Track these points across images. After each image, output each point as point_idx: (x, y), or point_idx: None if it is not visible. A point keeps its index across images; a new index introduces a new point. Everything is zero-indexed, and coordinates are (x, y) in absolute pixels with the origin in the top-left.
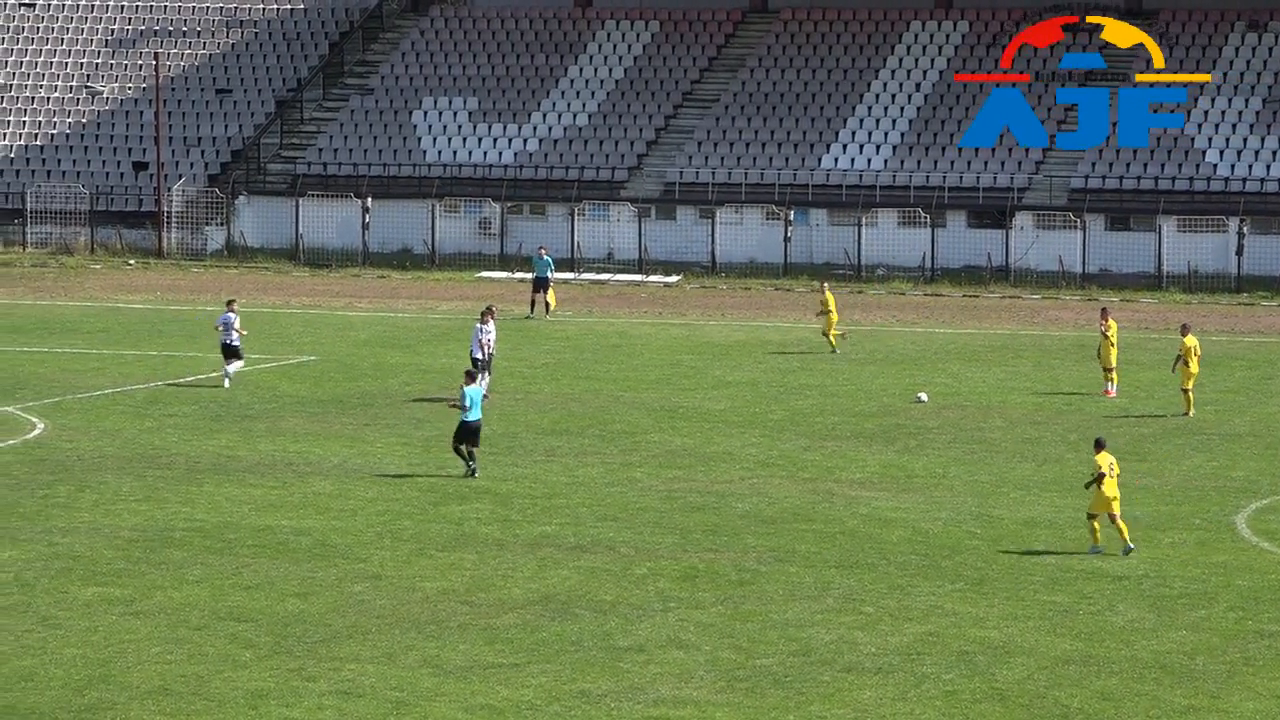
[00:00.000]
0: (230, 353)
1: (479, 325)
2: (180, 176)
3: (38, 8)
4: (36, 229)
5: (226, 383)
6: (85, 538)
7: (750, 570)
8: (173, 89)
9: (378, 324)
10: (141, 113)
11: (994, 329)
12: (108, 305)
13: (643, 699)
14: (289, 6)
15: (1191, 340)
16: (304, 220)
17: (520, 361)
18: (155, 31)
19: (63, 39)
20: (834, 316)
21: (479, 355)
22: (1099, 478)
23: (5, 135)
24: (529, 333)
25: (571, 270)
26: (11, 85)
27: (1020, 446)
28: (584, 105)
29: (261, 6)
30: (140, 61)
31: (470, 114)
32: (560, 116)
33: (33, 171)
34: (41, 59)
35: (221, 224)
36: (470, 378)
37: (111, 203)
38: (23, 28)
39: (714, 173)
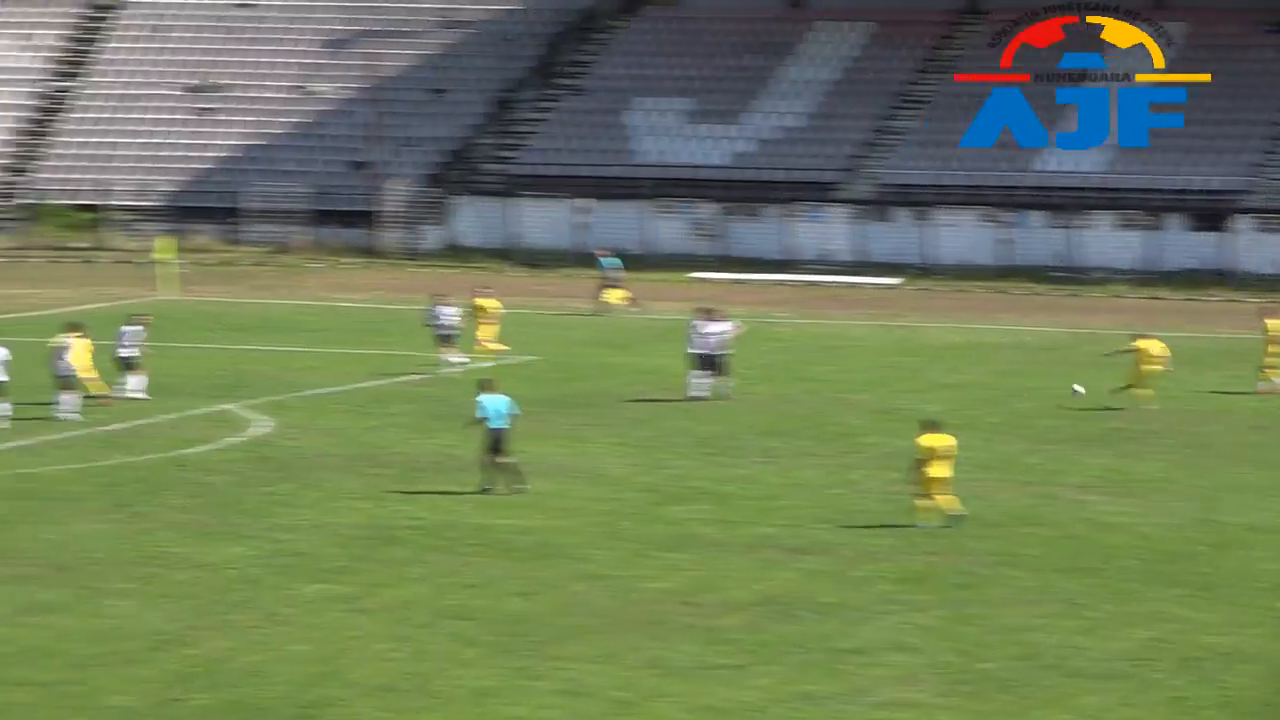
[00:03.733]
0: (444, 341)
1: (696, 323)
2: (397, 176)
3: (256, 8)
4: (255, 228)
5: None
6: (308, 535)
7: (971, 573)
8: (389, 89)
9: (595, 324)
10: (358, 113)
11: (1214, 333)
12: (326, 304)
13: (865, 701)
14: (504, 7)
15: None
16: (520, 220)
17: (737, 363)
18: (372, 32)
19: (281, 40)
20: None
21: (697, 352)
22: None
23: (224, 135)
24: (746, 335)
25: (786, 272)
26: (230, 85)
27: (1243, 451)
28: (797, 106)
29: (477, 7)
30: (357, 62)
31: (683, 115)
32: (773, 118)
33: (252, 171)
34: (259, 59)
35: (438, 224)
36: (487, 387)
37: (330, 202)
38: (241, 28)
39: (928, 174)
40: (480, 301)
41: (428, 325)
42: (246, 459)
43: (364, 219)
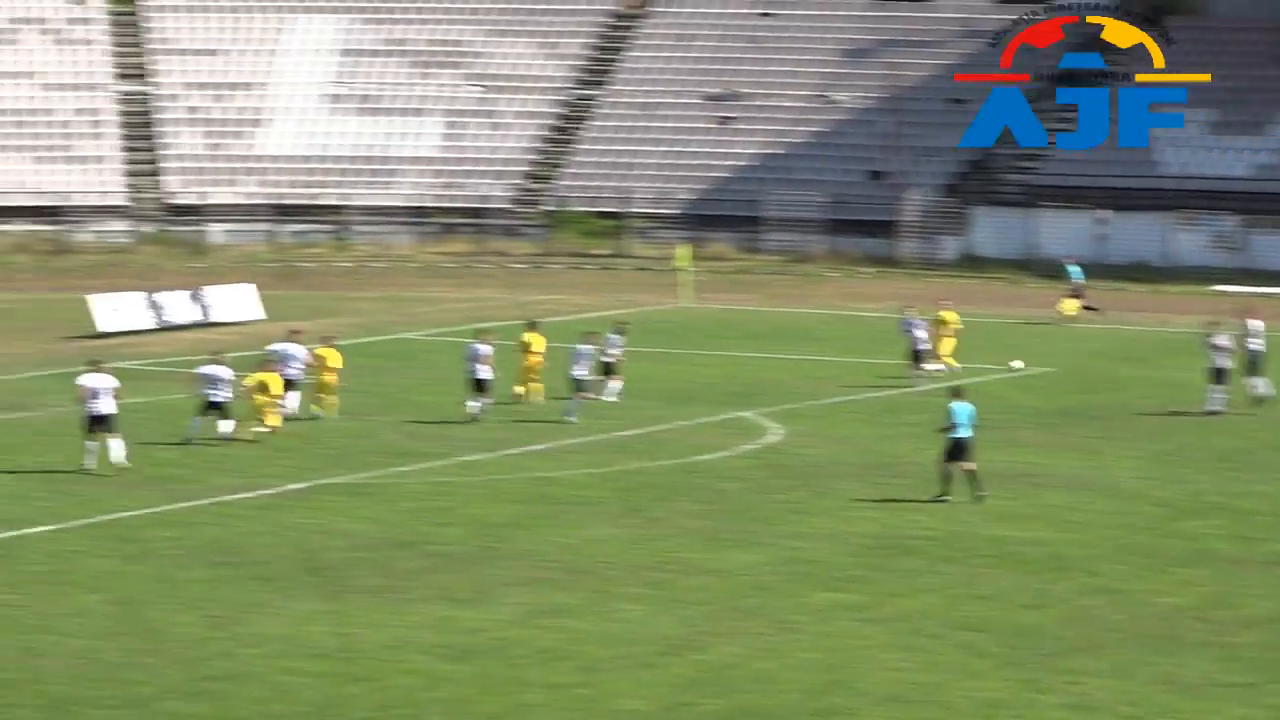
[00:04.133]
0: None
1: (1213, 337)
2: (916, 186)
3: (778, 18)
4: (773, 236)
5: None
6: (820, 543)
7: None
8: (908, 99)
9: (1111, 336)
10: (877, 123)
11: None
12: (842, 313)
13: None
14: (1026, 18)
15: None
16: (1038, 231)
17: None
18: (893, 42)
19: (801, 48)
20: None
21: (1221, 365)
22: None
23: (743, 144)
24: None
25: None
26: (750, 94)
27: None
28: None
29: (996, 17)
30: (876, 71)
31: (1206, 126)
32: None
33: (770, 180)
34: (779, 67)
35: (956, 233)
36: (957, 394)
37: (848, 211)
38: (764, 37)
39: None
40: (943, 315)
41: (904, 335)
42: (760, 466)
43: (881, 228)
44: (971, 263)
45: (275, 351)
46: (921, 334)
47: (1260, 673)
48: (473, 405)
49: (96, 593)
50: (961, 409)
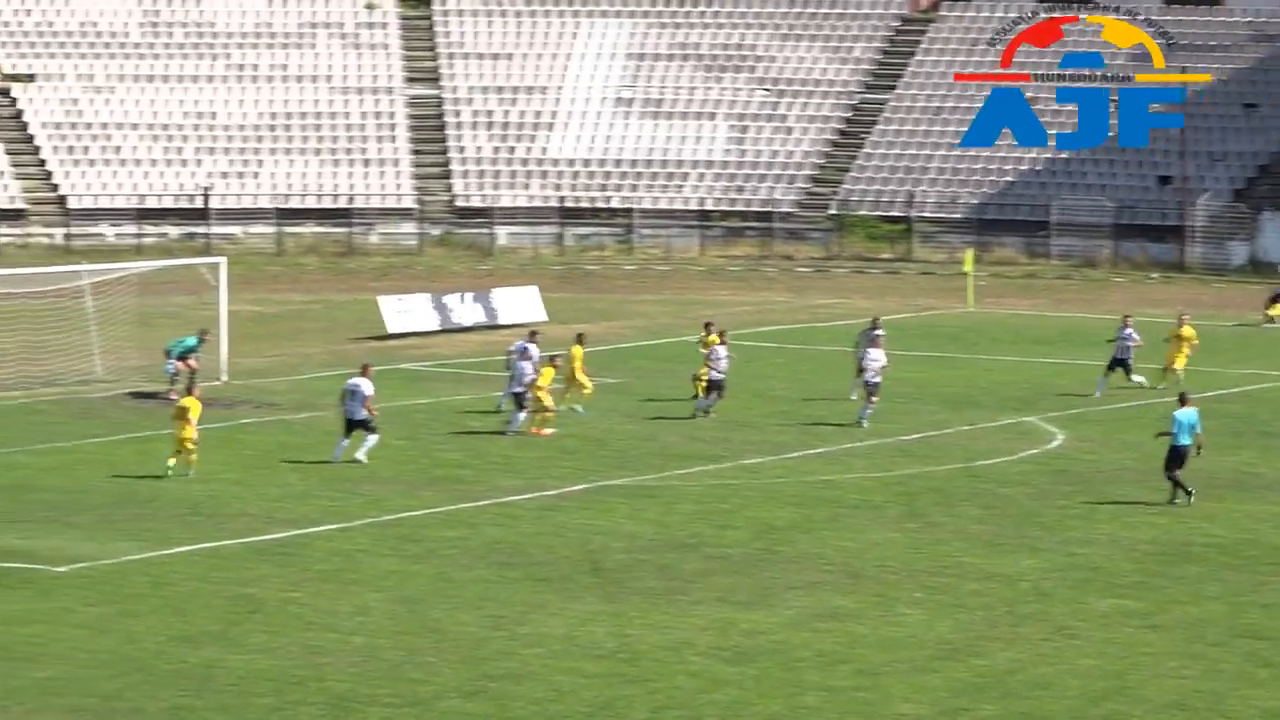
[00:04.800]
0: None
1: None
2: (1206, 191)
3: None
4: (1060, 241)
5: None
6: (1103, 549)
7: None
8: (1200, 104)
9: None
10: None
11: None
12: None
13: None
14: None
15: None
16: None
17: None
18: (1182, 46)
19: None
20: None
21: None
22: None
23: (1032, 147)
24: None
25: None
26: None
27: None
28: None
29: None
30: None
31: None
32: None
33: (1059, 185)
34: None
35: (1246, 239)
36: (1183, 401)
37: (1135, 216)
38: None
39: None
40: (1182, 331)
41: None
42: (1042, 471)
43: (1170, 234)
44: (1259, 268)
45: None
46: (1130, 344)
47: None
48: (703, 403)
49: (379, 591)
50: (1185, 416)
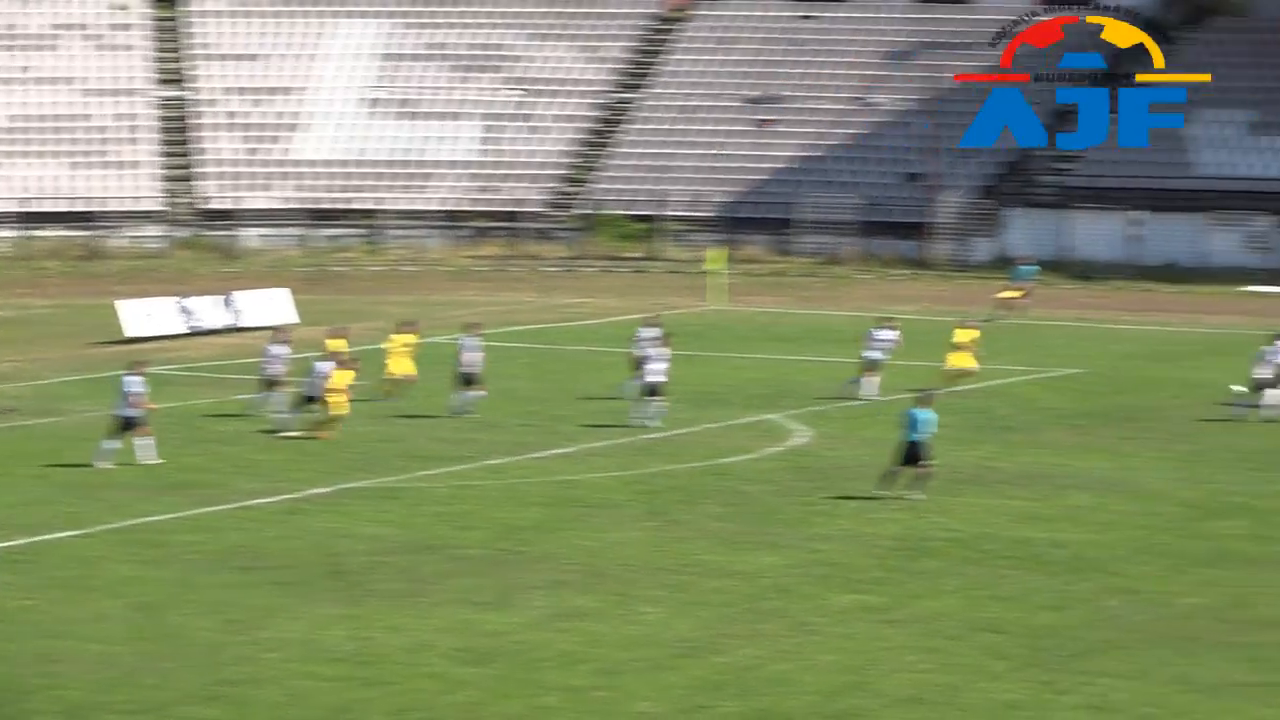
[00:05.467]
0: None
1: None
2: (951, 188)
3: (820, 19)
4: (806, 239)
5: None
6: (843, 545)
7: None
8: (947, 101)
9: (1144, 338)
10: (915, 125)
11: None
12: (874, 314)
13: None
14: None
15: None
16: (1072, 232)
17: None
18: (932, 44)
19: (841, 50)
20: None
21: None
22: None
23: (781, 146)
24: None
25: None
26: (789, 96)
27: None
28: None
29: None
30: (916, 74)
31: (1245, 126)
32: None
33: (805, 182)
34: (819, 70)
35: (989, 235)
36: (922, 400)
37: (881, 213)
38: (803, 39)
39: None
40: (958, 335)
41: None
42: (785, 468)
43: (917, 231)
44: (1004, 265)
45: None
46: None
47: (1278, 672)
48: (459, 399)
49: (117, 598)
50: (921, 414)
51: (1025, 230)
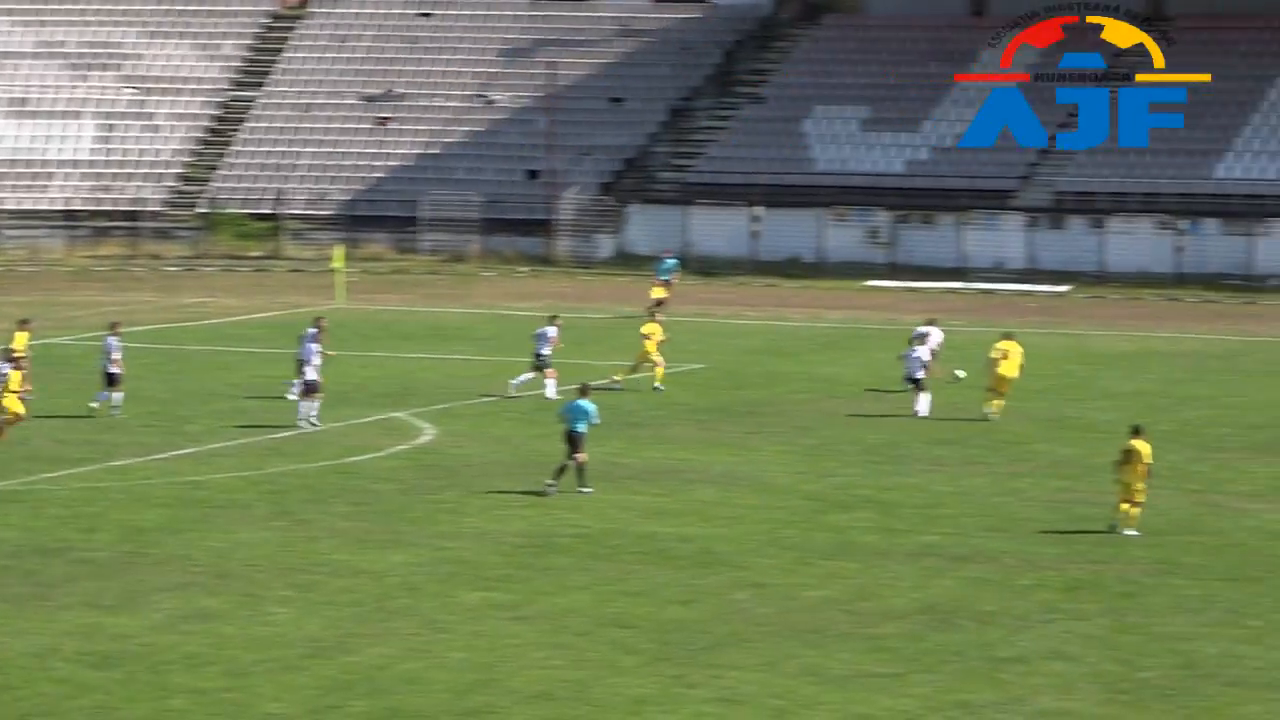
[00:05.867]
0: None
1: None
2: (572, 185)
3: (435, 17)
4: (429, 237)
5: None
6: (472, 543)
7: (1135, 582)
8: (566, 98)
9: (766, 332)
10: (535, 122)
11: None
12: (498, 312)
13: (1024, 710)
14: (682, 16)
15: None
16: (693, 228)
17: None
18: (550, 41)
19: (458, 48)
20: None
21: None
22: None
23: (401, 144)
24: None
25: (960, 280)
26: (408, 94)
27: None
28: (976, 114)
29: (655, 16)
30: (534, 71)
31: (861, 123)
32: (951, 126)
33: (427, 180)
34: (437, 68)
35: (612, 232)
36: (583, 392)
37: (504, 210)
38: (420, 37)
39: (1105, 182)
40: (647, 329)
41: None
42: (412, 467)
43: (538, 227)
44: (626, 261)
45: None
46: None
47: (905, 663)
48: (100, 399)
49: None
50: (576, 405)
51: (646, 226)
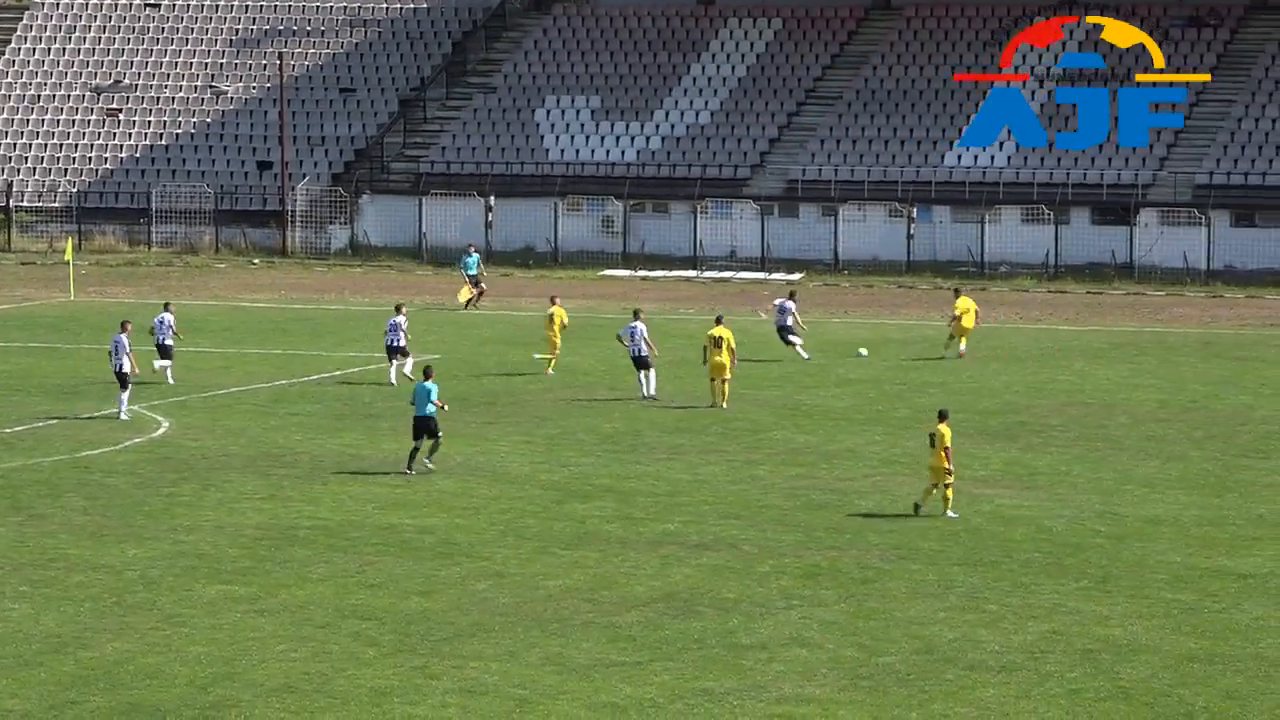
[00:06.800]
0: (397, 352)
1: (634, 326)
2: (304, 176)
3: (163, 8)
4: (162, 228)
5: (393, 379)
6: (210, 536)
7: (873, 568)
8: (297, 88)
9: (501, 322)
10: (266, 112)
11: (1118, 326)
12: (232, 304)
13: (765, 697)
14: (412, 6)
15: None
16: (427, 219)
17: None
18: (279, 31)
19: (187, 39)
20: (966, 323)
21: (637, 354)
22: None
23: (131, 135)
24: (653, 331)
25: (695, 268)
26: (137, 85)
27: (1144, 444)
28: (706, 103)
29: (385, 6)
30: (264, 61)
31: (593, 112)
32: (683, 114)
33: (158, 171)
34: (166, 59)
35: (345, 223)
36: (426, 374)
37: (236, 202)
38: (148, 28)
39: (837, 170)
40: (557, 318)
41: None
42: (148, 460)
43: (272, 219)
44: (360, 252)
45: None
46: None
47: (646, 651)
48: None
49: None
50: (421, 388)
51: (379, 217)
